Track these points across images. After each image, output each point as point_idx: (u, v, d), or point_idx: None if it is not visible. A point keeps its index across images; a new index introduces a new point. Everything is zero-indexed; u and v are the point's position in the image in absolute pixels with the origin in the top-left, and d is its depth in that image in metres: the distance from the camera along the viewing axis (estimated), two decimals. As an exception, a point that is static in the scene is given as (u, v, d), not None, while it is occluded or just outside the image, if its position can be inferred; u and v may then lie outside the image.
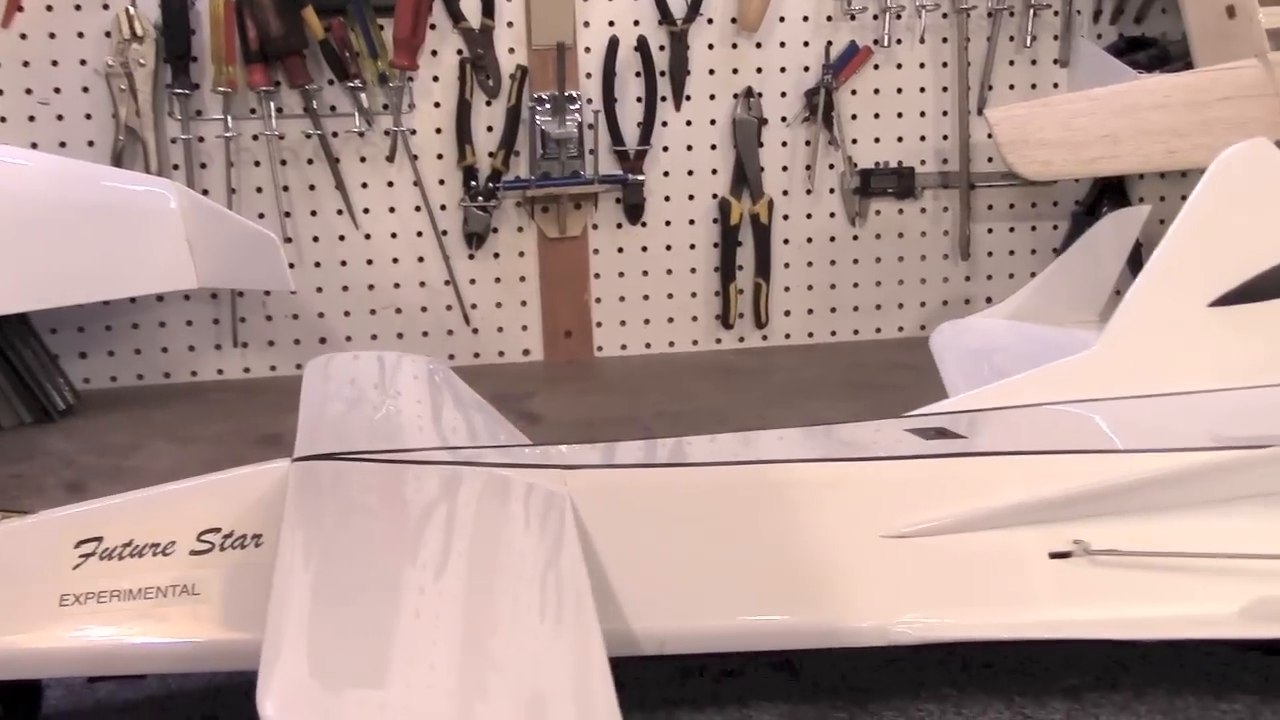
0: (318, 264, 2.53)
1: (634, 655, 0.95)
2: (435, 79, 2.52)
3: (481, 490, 0.94)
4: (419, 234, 2.55)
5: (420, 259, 2.56)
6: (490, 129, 2.54)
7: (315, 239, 2.53)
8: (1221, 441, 1.09)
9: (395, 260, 2.56)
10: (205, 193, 2.41)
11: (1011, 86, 2.71)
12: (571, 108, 2.52)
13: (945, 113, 2.69)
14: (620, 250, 2.63)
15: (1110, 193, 2.71)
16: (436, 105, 2.53)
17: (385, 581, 0.80)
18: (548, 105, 2.51)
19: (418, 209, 2.53)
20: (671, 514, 0.98)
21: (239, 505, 0.98)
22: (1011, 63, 2.70)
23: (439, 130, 2.53)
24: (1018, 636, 0.97)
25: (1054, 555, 0.98)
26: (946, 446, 1.07)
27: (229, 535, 0.97)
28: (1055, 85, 2.71)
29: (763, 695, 1.00)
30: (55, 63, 2.40)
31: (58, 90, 2.40)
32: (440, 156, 2.54)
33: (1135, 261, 2.16)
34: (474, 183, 2.53)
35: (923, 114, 2.69)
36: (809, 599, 0.97)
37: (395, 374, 1.37)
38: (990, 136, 2.33)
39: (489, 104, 2.54)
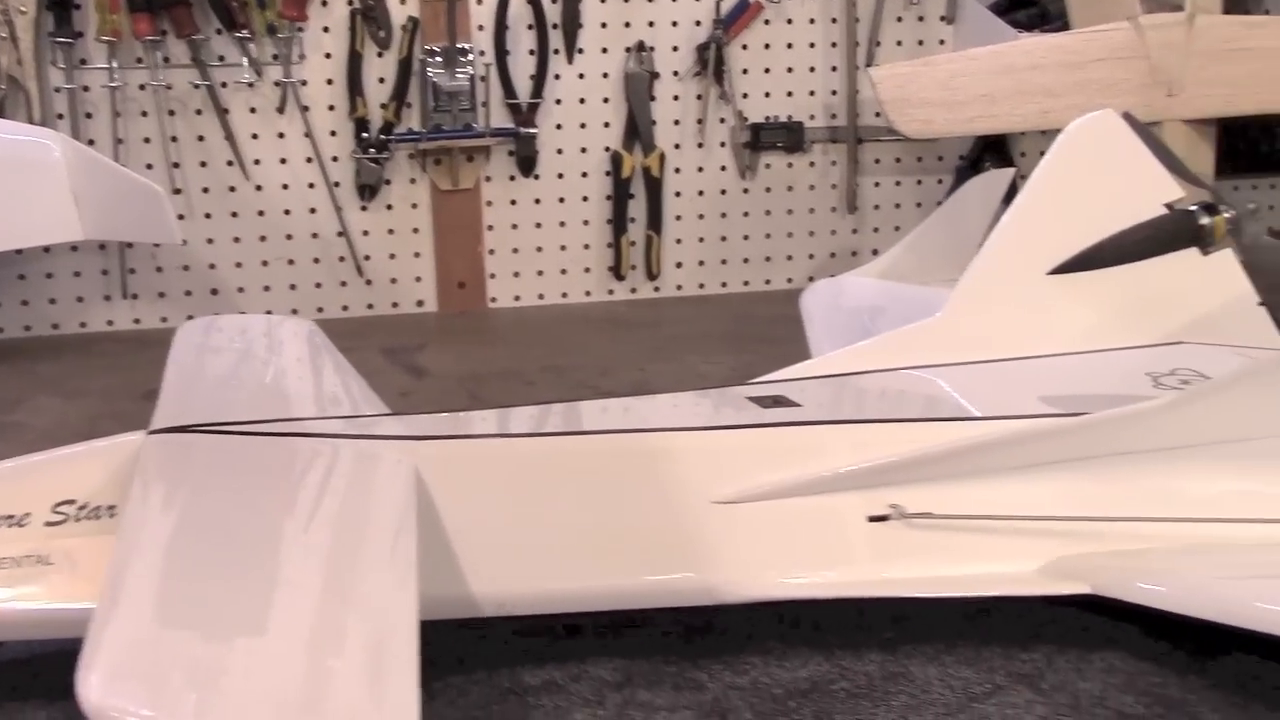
0: (208, 215, 2.53)
1: (476, 617, 1.00)
2: (326, 30, 2.51)
3: (326, 462, 0.98)
4: (311, 185, 2.55)
5: (312, 210, 2.57)
6: (382, 81, 2.54)
7: (205, 190, 2.52)
8: (1038, 409, 1.16)
9: (287, 212, 2.56)
10: (91, 143, 2.40)
11: (899, 43, 2.76)
12: (463, 60, 2.53)
13: (834, 68, 2.74)
14: (513, 202, 2.66)
15: (993, 149, 2.79)
16: (327, 56, 2.52)
17: (218, 554, 0.84)
18: (439, 58, 2.52)
19: (309, 160, 2.53)
20: (513, 483, 1.03)
21: (94, 477, 1.01)
22: (899, 19, 2.75)
23: (330, 81, 2.53)
24: (836, 596, 1.04)
25: (872, 519, 1.05)
26: (780, 415, 1.12)
27: (83, 507, 1.00)
28: (941, 42, 2.77)
29: (600, 651, 1.06)
30: (-68, 9, 2.36)
31: (-65, 38, 2.37)
32: (332, 108, 2.54)
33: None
34: (365, 135, 2.54)
35: (812, 69, 2.74)
36: (642, 562, 1.02)
37: (263, 340, 1.40)
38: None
39: (380, 56, 2.54)
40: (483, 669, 1.04)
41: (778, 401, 1.17)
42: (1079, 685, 1.00)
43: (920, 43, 2.77)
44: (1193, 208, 1.48)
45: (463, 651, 1.06)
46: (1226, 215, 1.48)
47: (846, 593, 1.03)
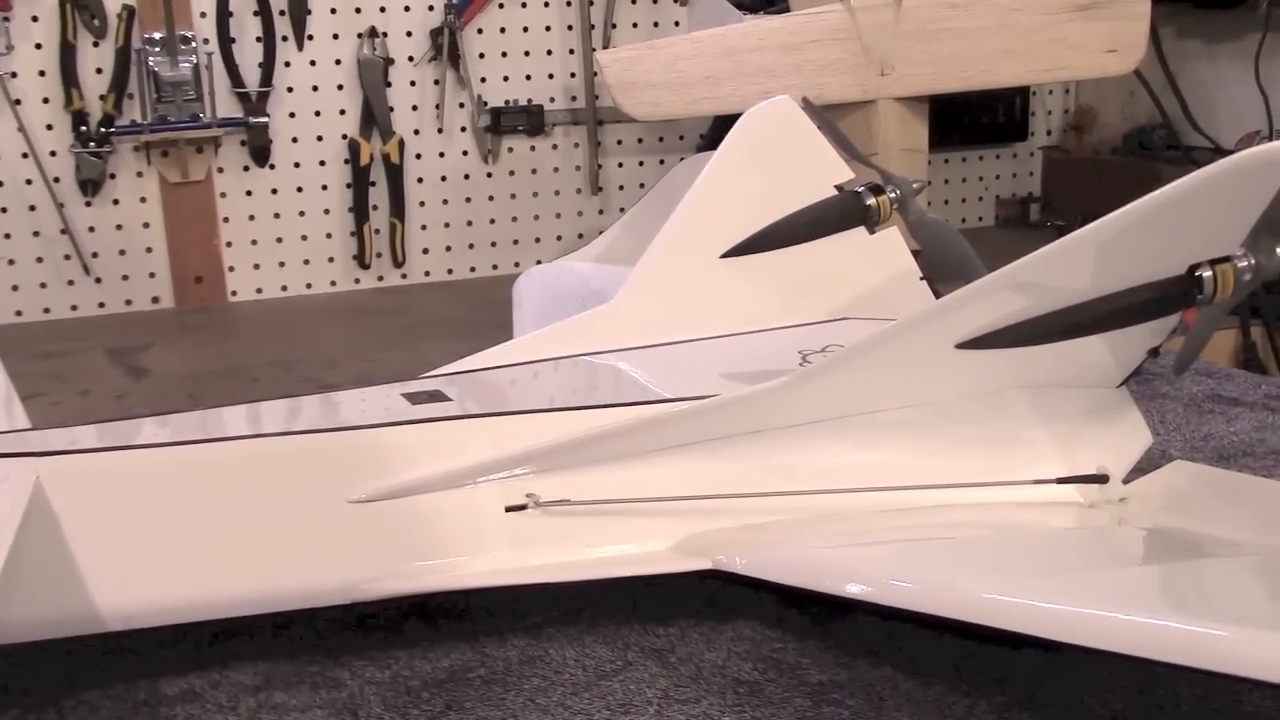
0: (-85, 217, 2.42)
1: (101, 632, 1.00)
2: (35, 19, 2.42)
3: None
4: (29, 182, 2.46)
5: (32, 208, 2.47)
6: (100, 71, 2.46)
7: (-90, 190, 2.41)
8: (684, 392, 1.20)
9: (4, 210, 2.46)
10: None
11: (635, 25, 2.81)
12: (185, 48, 2.46)
13: (572, 50, 2.77)
14: (249, 193, 2.61)
15: (730, 128, 2.85)
16: (38, 47, 2.43)
17: None
18: (159, 46, 2.45)
19: (25, 156, 2.44)
20: (143, 494, 1.01)
21: None
22: (634, 1, 2.80)
23: (43, 73, 2.44)
24: (474, 585, 1.06)
25: (510, 509, 1.08)
26: (427, 411, 1.14)
27: None
28: (676, 23, 2.83)
29: (245, 656, 1.06)
30: None
31: None
32: (46, 101, 2.45)
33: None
34: (84, 128, 2.45)
35: (549, 52, 2.76)
36: (275, 567, 1.03)
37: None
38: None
39: (96, 45, 2.45)
40: (122, 682, 1.04)
41: (432, 397, 1.18)
42: (705, 656, 1.05)
43: (655, 24, 2.82)
44: (860, 189, 1.55)
45: (106, 665, 1.05)
46: (892, 195, 1.56)
47: (484, 582, 1.06)
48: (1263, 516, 1.10)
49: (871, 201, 1.55)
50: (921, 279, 1.56)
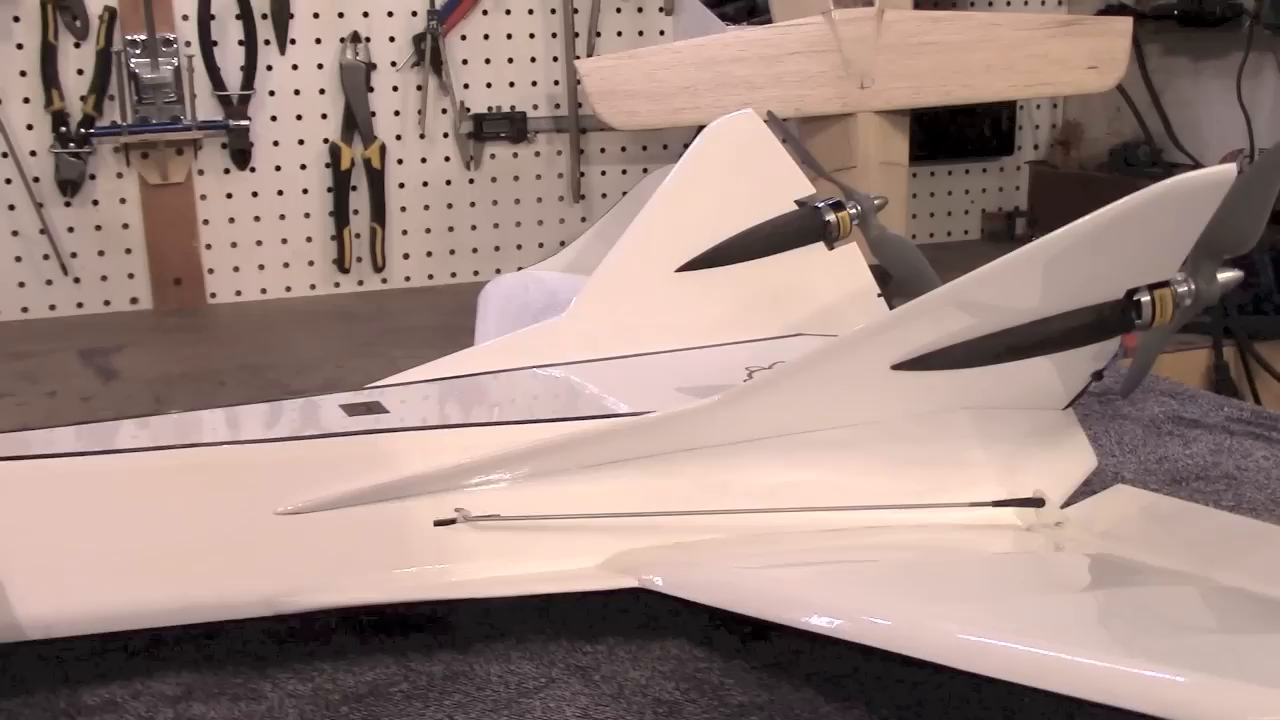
0: (-106, 214, 2.42)
1: (20, 640, 0.99)
2: (16, 19, 2.41)
3: None
4: (8, 181, 2.45)
5: (11, 207, 2.47)
6: (81, 72, 2.46)
7: (-110, 188, 2.41)
8: (623, 408, 1.20)
9: (-17, 209, 2.47)
10: None
11: (619, 33, 2.80)
12: (166, 51, 2.46)
13: (555, 58, 2.77)
14: (229, 196, 2.61)
15: (713, 137, 2.85)
16: (19, 47, 2.43)
17: None
18: (140, 48, 2.45)
19: (4, 156, 2.44)
20: (66, 502, 1.01)
21: None
22: (619, 10, 2.79)
23: (24, 74, 2.44)
24: (400, 599, 1.06)
25: (438, 523, 1.07)
26: (362, 423, 1.13)
27: None
28: (661, 33, 2.82)
29: (169, 667, 1.06)
30: None
31: None
32: (27, 101, 2.45)
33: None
34: (65, 128, 2.45)
35: (533, 59, 2.75)
36: (200, 578, 1.02)
37: None
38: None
39: (77, 46, 2.45)
40: (45, 691, 1.03)
41: (369, 408, 1.18)
42: (629, 674, 1.04)
43: (640, 33, 2.81)
44: (820, 204, 1.55)
45: (26, 673, 1.05)
46: (852, 211, 1.56)
47: (410, 596, 1.06)
48: (1199, 547, 1.10)
49: (831, 217, 1.54)
50: (879, 295, 1.55)
